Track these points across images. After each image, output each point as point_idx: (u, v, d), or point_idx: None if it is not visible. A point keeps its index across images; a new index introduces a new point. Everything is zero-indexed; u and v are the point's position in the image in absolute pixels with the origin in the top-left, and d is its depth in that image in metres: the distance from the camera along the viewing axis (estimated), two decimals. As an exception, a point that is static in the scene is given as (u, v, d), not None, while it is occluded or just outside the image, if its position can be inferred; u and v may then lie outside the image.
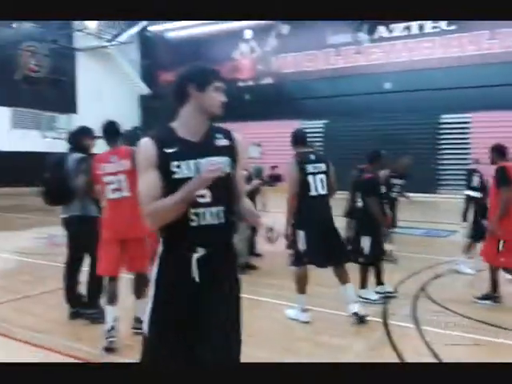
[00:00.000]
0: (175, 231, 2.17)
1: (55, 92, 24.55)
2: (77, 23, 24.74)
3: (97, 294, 4.72)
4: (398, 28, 23.44)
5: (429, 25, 22.77)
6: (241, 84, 27.48)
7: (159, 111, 27.67)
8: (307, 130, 21.49)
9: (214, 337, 2.17)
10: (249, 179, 7.04)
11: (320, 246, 4.65)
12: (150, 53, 30.04)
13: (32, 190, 18.72)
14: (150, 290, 2.24)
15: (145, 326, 2.22)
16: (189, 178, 2.10)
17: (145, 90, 29.44)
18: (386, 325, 4.57)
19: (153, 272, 2.25)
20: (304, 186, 4.64)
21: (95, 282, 4.62)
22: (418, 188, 13.85)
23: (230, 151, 2.28)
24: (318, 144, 18.05)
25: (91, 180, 4.28)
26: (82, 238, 4.68)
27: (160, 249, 2.23)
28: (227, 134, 2.32)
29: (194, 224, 2.15)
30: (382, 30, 23.87)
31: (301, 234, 4.66)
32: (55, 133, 22.97)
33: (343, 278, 4.72)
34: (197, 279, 2.15)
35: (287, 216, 4.79)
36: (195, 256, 2.16)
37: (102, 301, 4.59)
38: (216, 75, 2.26)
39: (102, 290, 4.60)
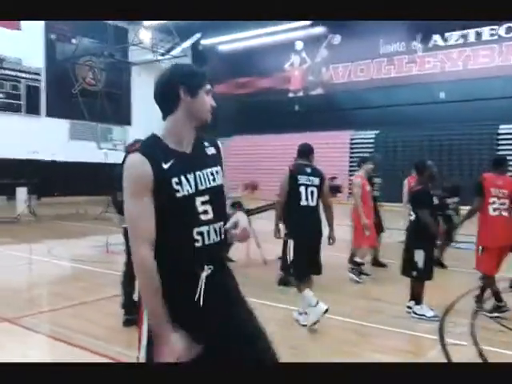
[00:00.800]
0: (177, 254, 1.96)
1: (111, 105, 25.39)
2: (132, 38, 25.53)
3: None
4: (454, 36, 22.87)
5: (486, 32, 22.10)
6: (291, 95, 27.54)
7: (208, 122, 28.17)
8: (358, 141, 21.16)
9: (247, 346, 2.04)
10: None
11: (304, 256, 4.85)
12: (201, 65, 30.53)
13: (88, 199, 19.31)
14: (143, 320, 2.03)
15: (142, 356, 2.01)
16: (190, 195, 1.95)
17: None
18: (442, 342, 4.42)
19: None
20: (295, 195, 4.85)
21: None
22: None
23: (219, 160, 2.13)
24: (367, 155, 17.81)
25: None
26: None
27: (163, 275, 1.97)
28: (213, 142, 2.15)
29: (198, 245, 1.97)
30: (436, 39, 23.36)
31: (291, 244, 4.88)
32: (110, 144, 23.73)
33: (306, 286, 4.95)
34: (201, 299, 1.96)
35: (275, 221, 5.11)
36: (204, 275, 1.97)
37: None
38: (206, 77, 2.07)
39: None
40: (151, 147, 1.97)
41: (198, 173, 2.00)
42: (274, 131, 23.89)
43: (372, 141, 23.33)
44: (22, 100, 22.55)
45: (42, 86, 23.42)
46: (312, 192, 4.87)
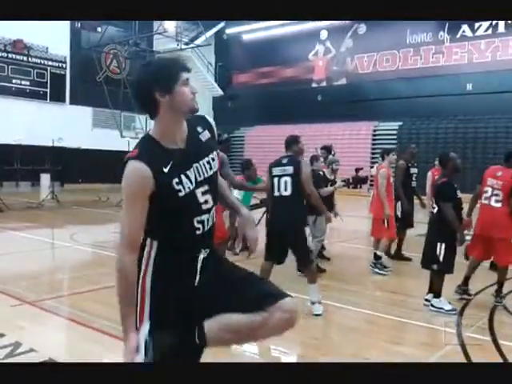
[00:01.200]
0: (178, 239, 2.06)
1: (134, 93, 25.56)
2: (156, 26, 25.60)
3: None
4: (483, 27, 22.36)
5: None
6: (314, 85, 27.36)
7: (231, 112, 28.22)
8: (381, 132, 20.94)
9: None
10: (325, 180, 6.96)
11: (272, 243, 4.92)
12: (225, 55, 30.60)
13: (110, 186, 19.60)
14: (145, 303, 2.05)
15: (142, 346, 1.97)
16: (192, 191, 2.01)
17: (218, 91, 30.00)
18: (460, 336, 4.37)
19: (146, 281, 2.05)
20: (271, 187, 5.04)
21: None
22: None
23: (213, 141, 2.17)
24: (392, 146, 17.64)
25: None
26: None
27: (153, 255, 2.05)
28: (206, 125, 2.16)
29: (199, 232, 2.07)
30: (464, 29, 22.88)
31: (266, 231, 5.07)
32: (133, 133, 23.92)
33: (308, 279, 4.98)
34: (197, 279, 2.07)
35: None
36: (201, 257, 2.08)
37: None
38: (179, 66, 1.99)
39: None
40: (150, 152, 1.96)
41: (195, 165, 2.05)
42: (296, 121, 23.78)
43: (395, 132, 23.07)
44: (48, 88, 22.88)
45: (67, 73, 23.72)
46: (286, 182, 4.90)
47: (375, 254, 6.91)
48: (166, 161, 1.96)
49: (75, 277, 6.58)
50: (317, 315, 4.82)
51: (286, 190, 4.91)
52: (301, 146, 5.16)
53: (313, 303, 4.90)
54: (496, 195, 5.38)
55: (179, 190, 1.97)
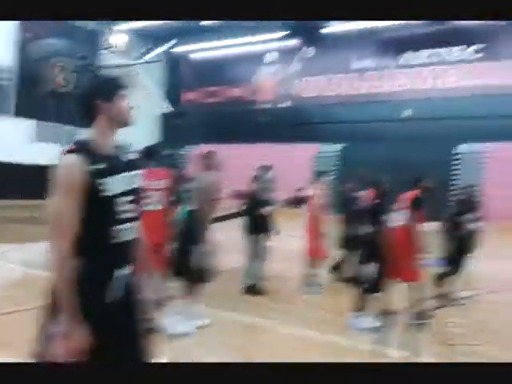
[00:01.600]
0: (97, 250, 2.11)
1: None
2: (105, 41, 25.27)
3: None
4: (425, 54, 23.47)
5: (456, 52, 22.76)
6: (260, 106, 27.67)
7: (178, 129, 28.04)
8: (323, 155, 20.99)
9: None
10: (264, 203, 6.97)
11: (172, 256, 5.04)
12: (174, 72, 30.52)
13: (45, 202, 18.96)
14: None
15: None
16: (115, 195, 2.11)
17: (167, 108, 29.84)
18: (381, 353, 4.48)
19: None
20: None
21: None
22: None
23: (138, 162, 2.38)
24: (333, 168, 18.01)
25: None
26: None
27: (79, 270, 2.06)
28: (129, 148, 2.36)
29: (116, 241, 2.13)
30: (407, 57, 23.93)
31: None
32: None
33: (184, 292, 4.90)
34: (111, 294, 2.11)
35: None
36: (119, 272, 2.14)
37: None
38: (119, 83, 2.26)
39: None
40: (84, 150, 2.11)
41: (124, 174, 2.18)
42: (241, 141, 23.89)
43: (337, 155, 23.53)
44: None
45: (11, 85, 22.95)
46: (190, 196, 5.06)
47: (309, 272, 7.02)
48: (98, 161, 2.09)
49: (1, 296, 6.29)
50: (171, 334, 4.59)
51: (190, 204, 5.00)
52: (213, 161, 5.21)
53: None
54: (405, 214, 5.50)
55: (104, 190, 2.08)
